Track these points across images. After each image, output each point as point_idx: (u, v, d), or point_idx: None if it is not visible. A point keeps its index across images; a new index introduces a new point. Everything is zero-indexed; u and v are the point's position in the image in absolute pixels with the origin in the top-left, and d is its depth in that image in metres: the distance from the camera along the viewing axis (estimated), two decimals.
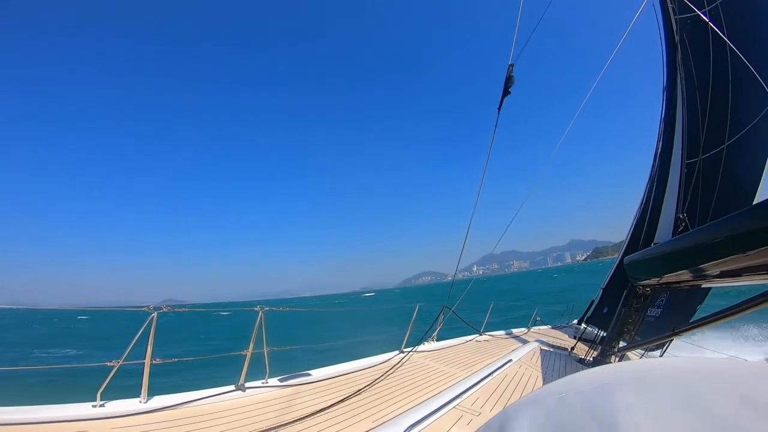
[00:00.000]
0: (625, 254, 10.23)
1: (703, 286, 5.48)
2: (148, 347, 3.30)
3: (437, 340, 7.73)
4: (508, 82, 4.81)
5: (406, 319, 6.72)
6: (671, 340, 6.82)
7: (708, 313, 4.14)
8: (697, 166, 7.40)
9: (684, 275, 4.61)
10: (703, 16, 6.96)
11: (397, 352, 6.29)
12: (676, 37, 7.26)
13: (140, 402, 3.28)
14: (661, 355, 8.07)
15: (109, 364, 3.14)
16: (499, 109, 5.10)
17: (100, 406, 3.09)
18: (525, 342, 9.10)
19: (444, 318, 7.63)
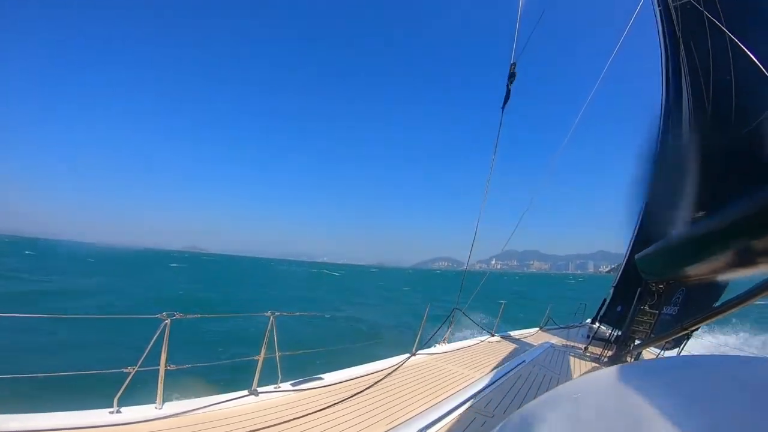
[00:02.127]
0: (633, 249, 10.10)
1: (718, 278, 4.69)
2: (162, 353, 3.32)
3: (448, 342, 7.72)
4: (511, 78, 4.92)
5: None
6: (688, 338, 6.82)
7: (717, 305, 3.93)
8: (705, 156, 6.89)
9: (695, 269, 4.10)
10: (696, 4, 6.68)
11: (408, 354, 6.27)
12: (676, 28, 7.14)
13: (156, 408, 3.29)
14: (678, 354, 7.85)
15: (125, 370, 3.16)
16: (503, 107, 5.14)
17: (117, 412, 3.09)
18: (538, 342, 8.99)
19: (455, 320, 7.76)
